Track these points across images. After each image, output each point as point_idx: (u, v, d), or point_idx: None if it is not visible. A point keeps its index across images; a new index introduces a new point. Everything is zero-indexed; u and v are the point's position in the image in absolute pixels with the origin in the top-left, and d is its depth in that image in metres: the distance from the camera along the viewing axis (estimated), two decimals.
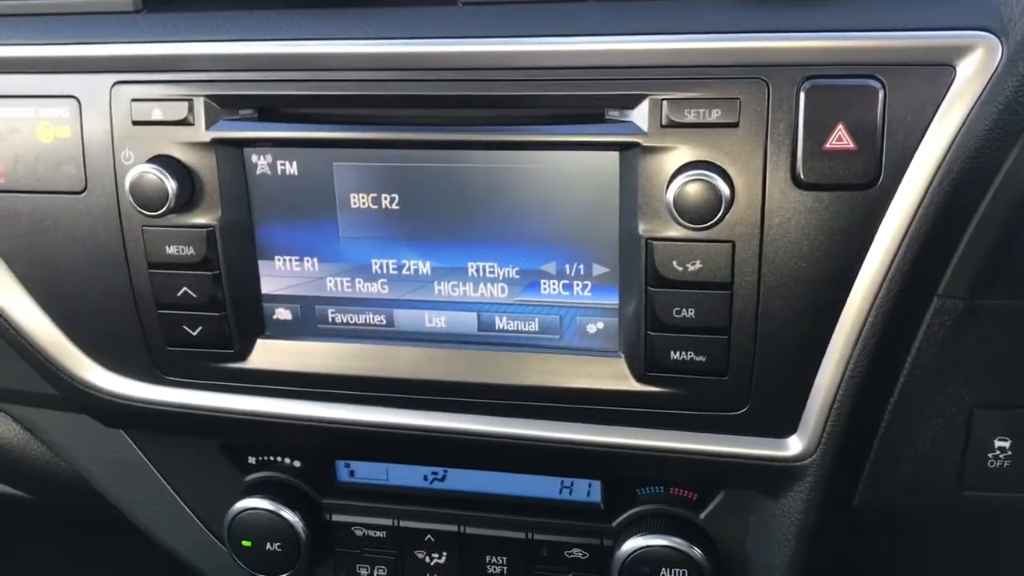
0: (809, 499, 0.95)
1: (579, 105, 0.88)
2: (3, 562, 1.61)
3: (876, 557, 1.07)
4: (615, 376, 0.94)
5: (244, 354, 1.00)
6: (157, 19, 0.95)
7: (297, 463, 1.13)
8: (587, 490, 1.08)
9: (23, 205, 0.99)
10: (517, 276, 0.94)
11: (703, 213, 0.83)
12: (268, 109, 0.94)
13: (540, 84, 0.87)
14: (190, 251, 0.96)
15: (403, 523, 1.12)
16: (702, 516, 1.04)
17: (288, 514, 1.11)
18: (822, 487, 0.94)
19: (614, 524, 1.07)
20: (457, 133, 0.90)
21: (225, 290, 0.97)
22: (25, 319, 1.04)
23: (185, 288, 0.97)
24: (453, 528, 1.10)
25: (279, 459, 1.13)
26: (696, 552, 1.02)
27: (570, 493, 1.08)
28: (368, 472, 1.13)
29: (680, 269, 0.87)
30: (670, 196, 0.84)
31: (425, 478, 1.11)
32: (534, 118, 0.89)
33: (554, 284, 0.94)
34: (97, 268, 0.99)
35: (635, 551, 1.02)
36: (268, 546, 1.12)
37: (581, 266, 0.93)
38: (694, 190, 0.83)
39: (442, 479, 1.11)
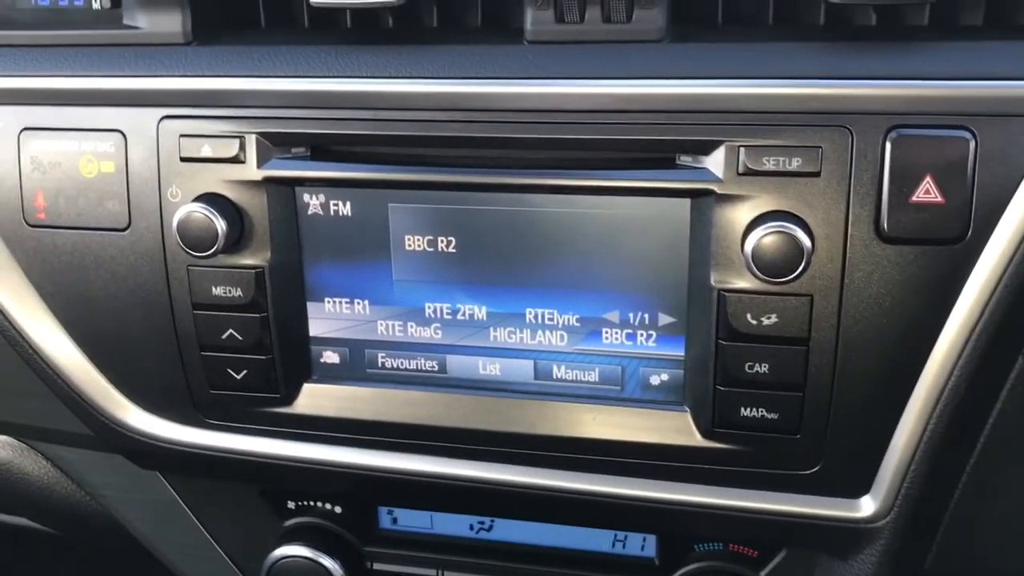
0: (880, 562, 0.91)
1: (650, 149, 0.84)
2: None
3: None
4: (679, 431, 0.90)
5: (290, 399, 0.97)
6: (207, 52, 0.91)
7: (338, 509, 1.09)
8: (641, 544, 1.04)
9: (63, 241, 0.96)
10: (578, 324, 0.91)
11: (782, 266, 0.79)
12: (321, 147, 0.90)
13: (609, 128, 0.83)
14: (238, 292, 0.92)
15: (447, 574, 1.08)
16: (762, 574, 1.00)
17: (328, 562, 1.07)
18: (894, 550, 0.90)
19: None
20: (520, 177, 0.86)
21: (272, 333, 0.93)
22: (62, 358, 1.00)
23: (231, 330, 0.94)
24: None
25: (319, 504, 1.10)
26: None
27: (623, 547, 1.04)
28: (412, 520, 1.09)
29: (754, 323, 0.83)
30: (748, 248, 0.80)
31: (471, 527, 1.07)
32: (601, 162, 0.86)
33: (616, 333, 0.90)
34: (139, 308, 0.95)
35: None
36: None
37: (646, 315, 0.89)
38: (774, 242, 0.79)
39: (489, 529, 1.07)
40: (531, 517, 1.05)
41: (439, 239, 0.90)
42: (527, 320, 0.91)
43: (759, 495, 0.91)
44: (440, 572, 1.08)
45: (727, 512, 0.92)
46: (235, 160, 0.89)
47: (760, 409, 0.86)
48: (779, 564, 0.99)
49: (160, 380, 0.99)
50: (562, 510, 0.99)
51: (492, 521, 1.07)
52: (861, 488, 0.89)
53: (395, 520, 1.09)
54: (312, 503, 1.10)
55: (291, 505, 1.10)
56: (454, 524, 1.08)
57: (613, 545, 1.04)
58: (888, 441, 0.86)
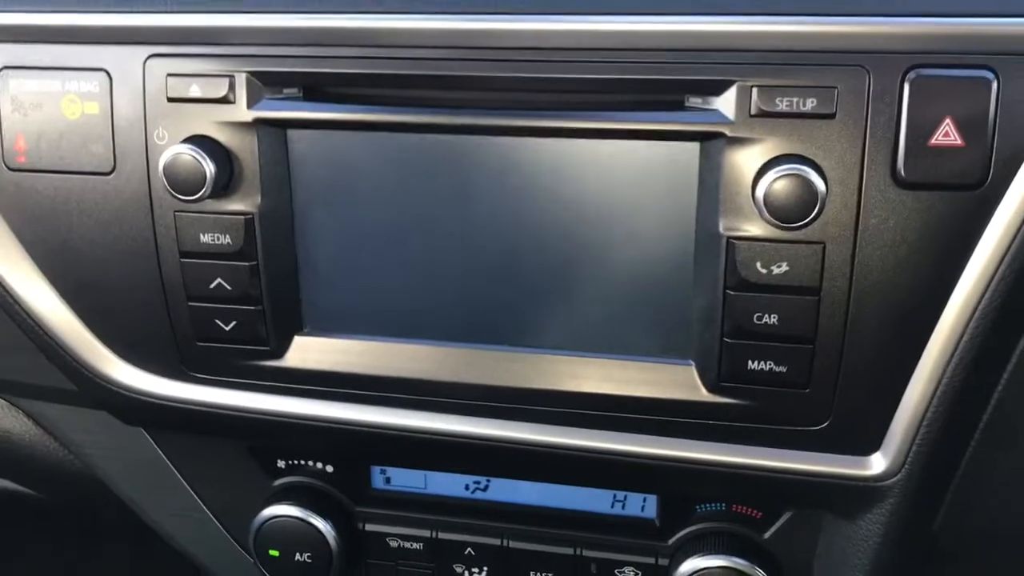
0: (888, 522, 0.89)
1: (657, 90, 0.81)
2: (4, 560, 1.54)
3: None
4: (684, 385, 0.87)
5: (280, 352, 0.93)
6: None
7: (329, 468, 1.06)
8: (641, 504, 1.01)
9: (45, 186, 0.92)
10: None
11: (795, 211, 0.76)
12: (315, 88, 0.86)
13: (615, 66, 0.80)
14: (226, 240, 0.89)
15: (442, 535, 1.05)
16: (766, 536, 0.97)
17: (319, 522, 1.04)
18: (904, 509, 0.88)
19: (670, 542, 1.00)
20: (521, 118, 0.83)
21: (262, 283, 0.90)
22: (44, 309, 0.97)
23: (219, 280, 0.90)
24: (495, 542, 1.03)
25: (310, 463, 1.06)
26: (759, 574, 0.95)
27: (623, 507, 1.01)
28: (405, 479, 1.06)
29: (764, 272, 0.80)
30: (759, 192, 0.77)
31: (466, 487, 1.04)
32: (605, 103, 0.82)
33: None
34: (124, 256, 0.92)
35: (693, 572, 0.96)
36: (297, 556, 1.05)
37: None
38: (786, 186, 0.76)
39: (484, 489, 1.04)
40: (528, 476, 1.02)
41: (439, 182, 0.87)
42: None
43: (765, 452, 0.88)
44: (434, 533, 1.05)
45: (732, 470, 0.89)
46: (224, 100, 0.86)
47: (768, 362, 0.83)
48: (783, 525, 0.97)
49: (146, 332, 0.95)
50: (560, 468, 0.96)
51: (488, 481, 1.04)
52: (871, 445, 0.86)
53: (388, 480, 1.06)
54: (302, 462, 1.07)
55: (281, 464, 1.07)
56: (449, 484, 1.05)
57: (612, 506, 1.02)
58: (900, 396, 0.83)
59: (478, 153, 0.85)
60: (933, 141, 0.76)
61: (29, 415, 1.13)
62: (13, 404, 1.13)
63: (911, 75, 0.75)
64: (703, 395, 0.86)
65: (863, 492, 0.88)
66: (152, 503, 1.14)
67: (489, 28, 0.81)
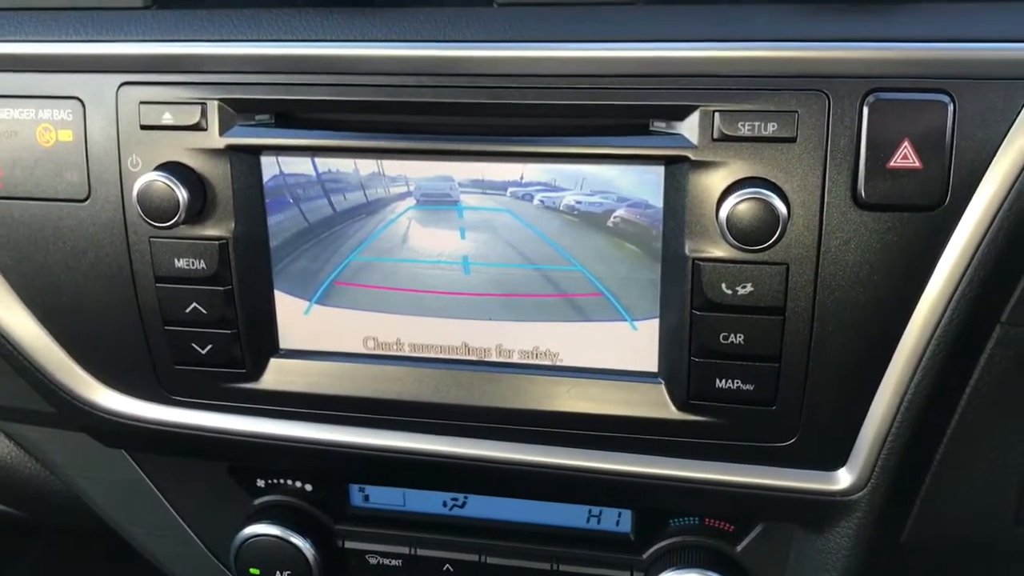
0: (857, 535, 0.90)
1: (623, 115, 0.82)
2: None
3: None
4: (654, 403, 0.88)
5: (256, 374, 0.94)
6: (168, 16, 0.88)
7: (308, 487, 1.07)
8: (616, 519, 1.02)
9: (21, 213, 0.93)
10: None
11: (758, 234, 0.78)
12: (287, 114, 0.87)
13: (581, 92, 0.81)
14: (201, 265, 0.90)
15: (420, 551, 1.06)
16: (738, 549, 0.99)
17: (298, 540, 1.05)
18: (871, 522, 0.89)
19: (644, 556, 1.01)
20: (489, 144, 0.84)
21: (238, 307, 0.91)
22: (21, 333, 0.97)
23: (195, 304, 0.91)
24: (473, 558, 1.05)
25: (289, 482, 1.07)
26: None
27: (598, 522, 1.03)
28: (384, 497, 1.07)
29: (729, 292, 0.82)
30: (722, 215, 0.78)
31: (444, 504, 1.06)
32: (574, 128, 0.83)
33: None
34: (100, 281, 0.93)
35: None
36: (278, 574, 1.06)
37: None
38: (749, 209, 0.77)
39: (462, 505, 1.05)
40: (505, 493, 1.03)
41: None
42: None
43: (735, 468, 0.89)
44: (413, 550, 1.06)
45: (703, 486, 0.90)
46: (197, 127, 0.87)
47: (736, 380, 0.84)
48: (755, 538, 0.98)
49: (123, 356, 0.96)
50: (536, 485, 0.97)
51: (465, 498, 1.05)
52: (838, 460, 0.87)
53: (367, 497, 1.07)
54: (282, 481, 1.08)
55: (260, 483, 1.08)
56: (427, 501, 1.06)
57: (588, 520, 1.03)
58: (865, 412, 0.85)
59: (451, 177, 0.86)
60: (892, 163, 0.77)
61: (10, 436, 1.14)
62: None
63: (870, 99, 0.77)
64: (673, 413, 0.88)
65: (830, 506, 0.89)
66: (133, 522, 1.14)
67: (459, 56, 0.82)
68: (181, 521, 1.12)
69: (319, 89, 0.85)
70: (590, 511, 1.03)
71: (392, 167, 0.87)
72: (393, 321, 0.92)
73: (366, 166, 0.87)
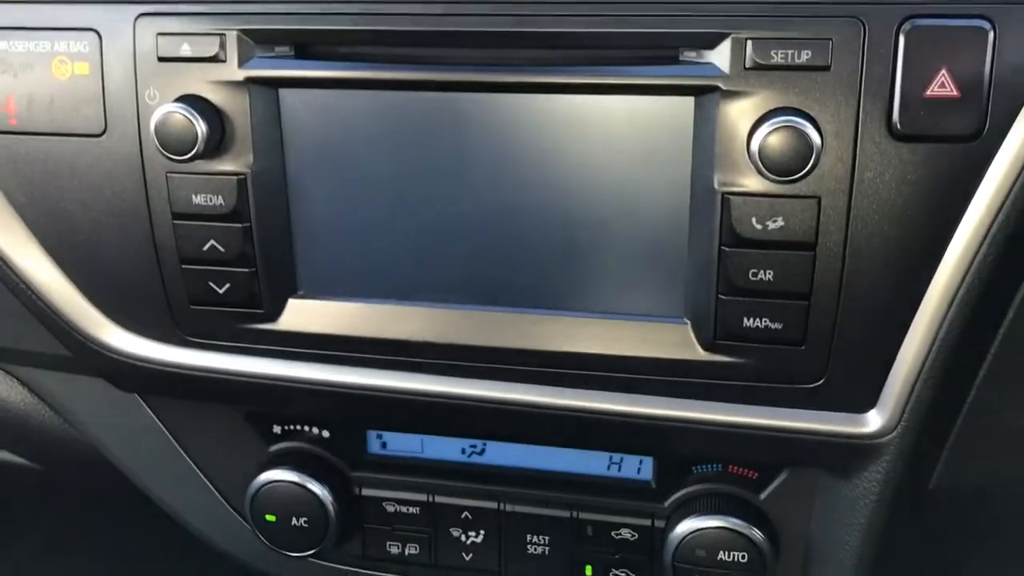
0: (885, 480, 0.89)
1: (650, 44, 0.80)
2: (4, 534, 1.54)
3: (949, 540, 1.00)
4: (679, 344, 0.87)
5: (274, 314, 0.93)
6: None
7: (325, 433, 1.06)
8: (637, 467, 1.01)
9: (36, 149, 0.91)
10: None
11: (790, 164, 0.76)
12: (307, 46, 0.86)
13: (607, 20, 0.79)
14: (219, 201, 0.88)
15: (438, 499, 1.05)
16: (762, 496, 0.97)
17: (315, 487, 1.03)
18: (900, 467, 0.88)
19: (666, 504, 1.00)
20: (514, 74, 0.82)
21: (256, 244, 0.89)
22: (36, 273, 0.96)
23: (212, 241, 0.90)
24: (492, 505, 1.03)
25: (306, 428, 1.06)
26: (756, 534, 0.95)
27: (619, 470, 1.01)
28: (401, 444, 1.05)
29: (759, 227, 0.80)
30: (755, 146, 0.76)
31: (463, 451, 1.04)
32: (599, 58, 0.82)
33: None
34: (116, 218, 0.91)
35: (690, 533, 0.95)
36: (293, 521, 1.04)
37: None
38: (781, 139, 0.75)
39: (481, 452, 1.04)
40: (524, 439, 1.01)
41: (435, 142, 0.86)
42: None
43: (762, 411, 0.87)
44: (431, 497, 1.04)
45: (728, 429, 0.89)
46: (215, 59, 0.85)
47: (764, 319, 0.83)
48: (780, 485, 0.97)
49: (139, 295, 0.95)
50: (556, 430, 0.95)
51: (484, 444, 1.04)
52: (867, 402, 0.86)
53: (384, 444, 1.06)
54: (299, 427, 1.06)
55: (277, 429, 1.07)
56: (445, 448, 1.04)
57: (608, 468, 1.01)
58: (896, 352, 0.83)
59: (473, 110, 0.85)
60: (928, 93, 0.75)
61: (24, 383, 1.12)
62: (8, 372, 1.12)
63: (906, 26, 0.75)
64: (699, 354, 0.86)
65: (859, 450, 0.87)
66: (148, 471, 1.13)
67: None
68: (196, 468, 1.10)
69: (340, 19, 0.83)
70: (611, 458, 1.01)
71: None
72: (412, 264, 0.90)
73: (388, 99, 0.86)
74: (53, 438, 1.16)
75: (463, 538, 1.05)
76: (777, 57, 0.76)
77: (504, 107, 0.84)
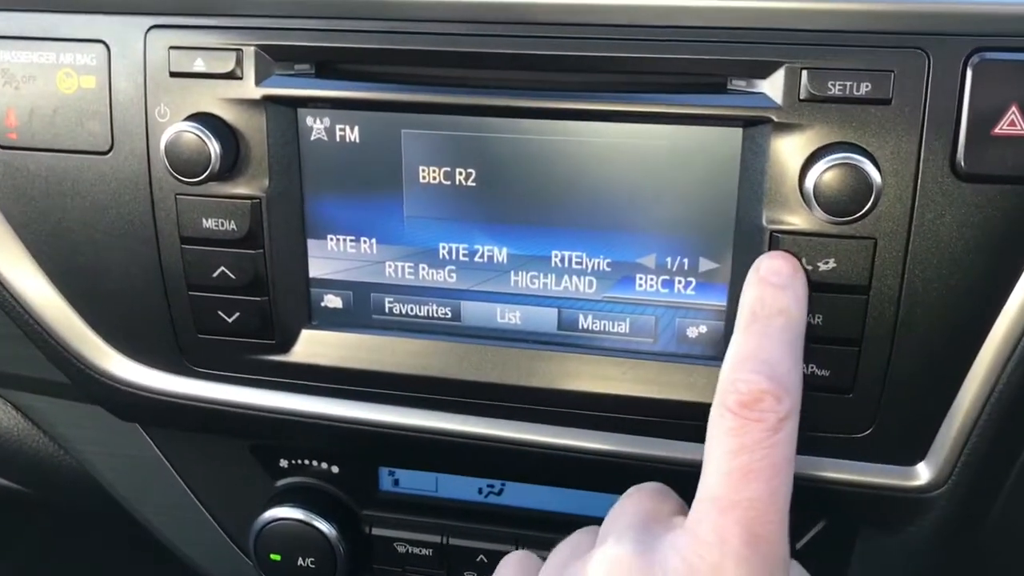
0: (932, 536, 0.84)
1: (697, 71, 0.75)
2: None
3: None
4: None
5: (287, 345, 0.88)
6: None
7: (335, 468, 1.01)
8: None
9: (37, 165, 0.86)
10: (608, 269, 0.82)
11: (848, 204, 0.71)
12: (328, 64, 0.81)
13: (651, 45, 0.74)
14: (231, 225, 0.83)
15: (452, 541, 0.99)
16: (798, 547, 0.92)
17: (323, 525, 0.99)
18: (949, 520, 0.83)
19: None
20: (549, 100, 0.78)
21: (269, 272, 0.84)
22: (34, 296, 0.91)
23: (223, 268, 0.85)
24: (510, 549, 0.98)
25: (314, 463, 1.01)
26: None
27: None
28: (415, 481, 1.00)
29: (810, 268, 0.75)
30: (808, 183, 0.71)
31: (480, 491, 0.99)
32: (641, 85, 0.77)
33: (652, 280, 0.82)
34: (121, 241, 0.86)
35: None
36: (300, 561, 1.00)
37: (686, 260, 0.81)
38: (839, 176, 0.71)
39: (499, 493, 0.99)
40: (547, 481, 0.97)
41: (457, 171, 0.82)
42: (552, 264, 0.83)
43: (804, 460, 0.82)
44: (445, 538, 0.99)
45: None
46: (231, 76, 0.80)
47: (811, 365, 0.78)
48: (817, 535, 0.92)
49: (143, 322, 0.90)
50: (583, 473, 0.91)
51: (503, 485, 0.99)
52: (917, 454, 0.81)
53: (396, 482, 1.01)
54: (307, 461, 1.01)
55: (284, 463, 1.02)
56: (461, 487, 0.99)
57: None
58: (950, 403, 0.78)
59: (507, 136, 0.80)
60: (997, 130, 0.70)
61: (17, 408, 1.08)
62: (0, 396, 1.07)
63: (974, 59, 0.70)
64: None
65: (906, 503, 0.83)
66: (147, 503, 1.08)
67: (517, 3, 0.75)
68: (198, 502, 1.05)
69: (365, 37, 0.78)
70: None
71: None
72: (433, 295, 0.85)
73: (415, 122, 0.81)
74: (47, 464, 1.12)
75: None
76: (834, 89, 0.72)
77: (539, 135, 0.79)
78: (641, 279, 0.82)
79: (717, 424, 0.68)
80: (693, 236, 0.80)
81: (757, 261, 0.74)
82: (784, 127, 0.73)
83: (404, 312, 0.87)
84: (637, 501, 0.76)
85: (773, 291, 0.72)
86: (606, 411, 0.84)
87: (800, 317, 0.72)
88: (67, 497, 1.18)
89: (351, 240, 0.85)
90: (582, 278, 0.83)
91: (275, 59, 0.80)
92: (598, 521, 0.96)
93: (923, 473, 0.81)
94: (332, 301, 0.88)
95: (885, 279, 0.74)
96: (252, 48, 0.79)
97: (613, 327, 0.84)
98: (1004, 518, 0.85)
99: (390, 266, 0.86)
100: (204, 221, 0.83)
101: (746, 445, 0.66)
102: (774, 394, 0.67)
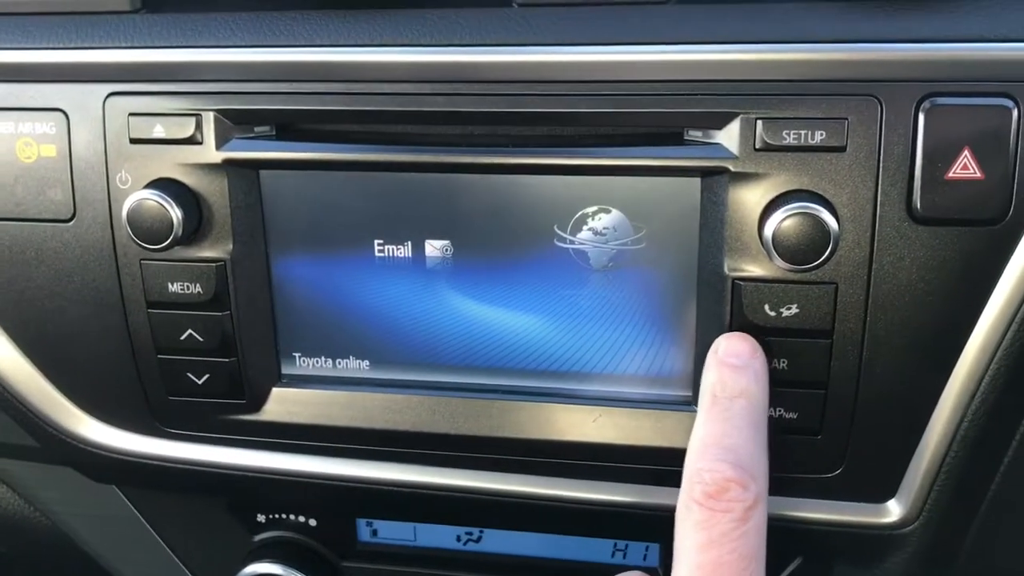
0: (908, 571, 0.84)
1: (655, 124, 0.76)
2: None
3: None
4: (689, 433, 0.81)
5: (257, 404, 0.88)
6: (159, 20, 0.82)
7: (313, 521, 1.00)
8: (643, 553, 0.96)
9: (1, 234, 0.86)
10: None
11: (807, 253, 0.72)
12: (288, 126, 0.81)
13: (609, 100, 0.75)
14: (197, 288, 0.83)
15: None
16: None
17: None
18: (921, 556, 0.83)
19: None
20: (511, 156, 0.78)
21: (237, 333, 0.84)
22: (2, 362, 0.90)
23: (190, 331, 0.84)
24: None
25: (292, 517, 1.01)
26: None
27: (624, 556, 0.96)
28: (393, 532, 1.00)
29: (772, 314, 0.75)
30: (767, 232, 0.72)
31: (458, 539, 0.99)
32: (601, 139, 0.77)
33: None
34: (87, 307, 0.86)
35: None
36: None
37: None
38: (797, 225, 0.71)
39: (477, 540, 0.99)
40: (524, 527, 0.97)
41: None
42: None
43: (776, 500, 0.83)
44: None
45: None
46: (191, 141, 0.80)
47: (778, 408, 0.78)
48: (793, 573, 0.92)
49: (113, 386, 0.89)
50: (559, 519, 0.91)
51: (481, 532, 0.99)
52: (887, 492, 0.81)
53: (375, 532, 1.01)
54: (284, 516, 1.01)
55: (261, 518, 1.01)
56: (440, 536, 0.99)
57: (613, 555, 0.97)
58: (917, 441, 0.79)
59: (466, 191, 0.80)
60: (951, 174, 0.71)
61: None
62: None
63: (926, 104, 0.71)
64: None
65: (878, 540, 0.83)
66: (125, 561, 1.08)
67: (476, 61, 0.76)
68: (176, 559, 1.05)
69: (324, 99, 0.78)
70: (615, 545, 0.96)
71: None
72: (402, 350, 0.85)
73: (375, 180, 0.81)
74: (19, 523, 1.10)
75: None
76: (790, 138, 0.72)
77: (496, 188, 0.79)
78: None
79: (685, 517, 0.68)
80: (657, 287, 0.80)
81: (716, 343, 0.75)
82: (741, 176, 0.74)
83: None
84: None
85: (733, 372, 0.72)
86: (580, 459, 0.84)
87: (762, 397, 0.73)
88: (43, 556, 1.17)
89: (319, 298, 0.85)
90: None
91: (234, 123, 0.80)
92: (577, 565, 0.97)
93: (894, 510, 0.81)
94: (301, 359, 0.88)
95: (848, 322, 0.75)
96: (211, 112, 0.79)
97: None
98: (977, 552, 0.85)
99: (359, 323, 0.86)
100: (170, 285, 0.83)
101: (714, 539, 0.66)
102: (740, 482, 0.66)
